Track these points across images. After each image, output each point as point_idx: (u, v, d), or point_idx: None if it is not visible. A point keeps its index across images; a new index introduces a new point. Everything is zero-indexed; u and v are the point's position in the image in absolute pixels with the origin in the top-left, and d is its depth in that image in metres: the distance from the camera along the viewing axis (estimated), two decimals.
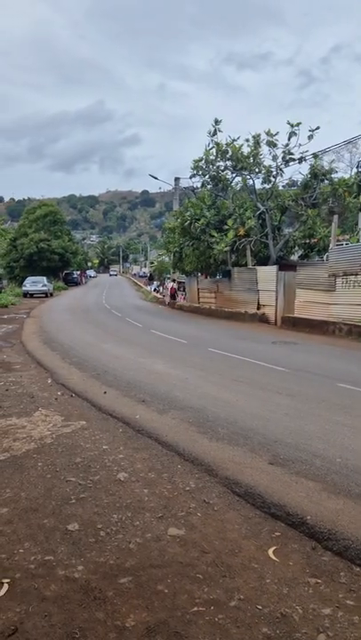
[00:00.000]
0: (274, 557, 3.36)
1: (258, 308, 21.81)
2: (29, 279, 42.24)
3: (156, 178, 34.85)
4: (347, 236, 26.41)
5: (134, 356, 11.76)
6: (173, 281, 33.81)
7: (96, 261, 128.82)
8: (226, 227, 22.61)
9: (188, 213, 24.38)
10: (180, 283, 36.27)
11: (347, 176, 27.61)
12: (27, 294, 38.92)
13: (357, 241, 22.56)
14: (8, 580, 3.11)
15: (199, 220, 23.61)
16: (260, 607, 2.84)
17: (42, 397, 7.75)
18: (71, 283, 59.89)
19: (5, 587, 3.06)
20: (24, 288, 40.28)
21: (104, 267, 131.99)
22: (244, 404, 7.20)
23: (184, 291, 34.30)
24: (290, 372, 9.73)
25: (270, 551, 3.44)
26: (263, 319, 21.04)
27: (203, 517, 3.91)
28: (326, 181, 22.48)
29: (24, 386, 8.59)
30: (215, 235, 22.90)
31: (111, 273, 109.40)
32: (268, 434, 5.79)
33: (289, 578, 3.13)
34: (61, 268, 58.98)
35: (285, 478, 4.51)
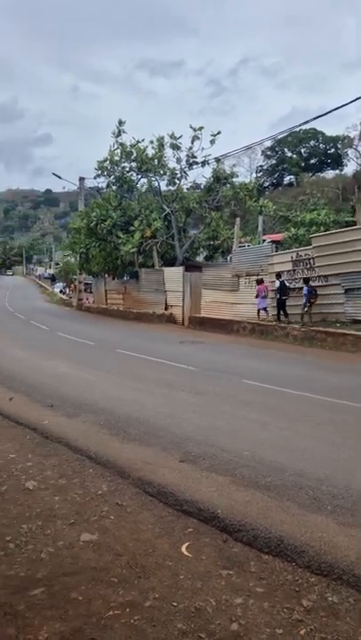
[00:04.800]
0: (187, 553, 3.42)
1: (165, 309, 22.07)
2: None
3: (59, 177, 33.83)
4: (249, 238, 27.48)
5: (41, 359, 11.40)
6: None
7: None
8: (132, 228, 22.63)
9: (94, 214, 24.09)
10: (86, 284, 35.68)
11: (247, 180, 28.75)
12: None
13: (258, 243, 23.58)
14: None
15: (105, 220, 23.41)
16: (175, 604, 2.88)
17: None
18: None
19: None
20: None
21: (6, 268, 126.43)
22: (154, 404, 7.25)
23: (91, 292, 33.84)
24: (197, 371, 9.94)
25: (183, 547, 3.49)
26: (171, 319, 21.31)
27: (116, 520, 3.88)
28: (228, 185, 23.28)
29: None
30: (122, 236, 22.83)
31: (7, 273, 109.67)
32: (179, 432, 5.88)
33: (202, 572, 3.20)
34: None
35: (196, 475, 4.61)
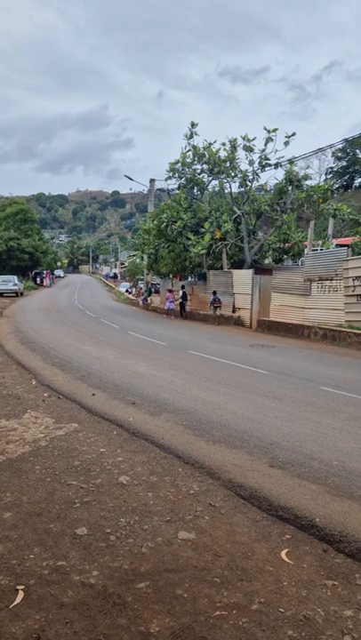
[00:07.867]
0: (287, 560, 3.39)
1: (233, 311, 21.98)
2: None
3: (130, 179, 34.50)
4: (320, 242, 26.84)
5: (116, 357, 11.67)
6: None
7: (65, 261, 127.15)
8: (202, 230, 22.70)
9: (165, 215, 24.36)
10: (153, 284, 36.18)
11: (316, 182, 28.09)
12: None
13: (329, 247, 22.97)
14: (23, 587, 3.04)
15: (176, 222, 23.63)
16: (281, 610, 2.86)
17: (29, 399, 7.61)
18: (39, 283, 58.74)
19: (21, 594, 2.99)
20: None
21: (73, 267, 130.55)
22: (233, 407, 7.24)
23: (158, 293, 34.27)
24: (272, 375, 9.83)
25: (283, 554, 3.46)
26: (238, 322, 21.21)
27: (211, 521, 3.91)
28: (302, 187, 22.82)
29: (8, 387, 8.41)
30: (192, 237, 22.96)
31: (60, 274, 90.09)
32: (263, 437, 5.84)
33: (305, 580, 3.16)
34: (31, 268, 57.87)
35: (288, 481, 4.55)
